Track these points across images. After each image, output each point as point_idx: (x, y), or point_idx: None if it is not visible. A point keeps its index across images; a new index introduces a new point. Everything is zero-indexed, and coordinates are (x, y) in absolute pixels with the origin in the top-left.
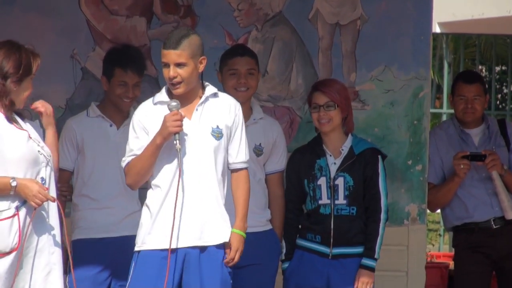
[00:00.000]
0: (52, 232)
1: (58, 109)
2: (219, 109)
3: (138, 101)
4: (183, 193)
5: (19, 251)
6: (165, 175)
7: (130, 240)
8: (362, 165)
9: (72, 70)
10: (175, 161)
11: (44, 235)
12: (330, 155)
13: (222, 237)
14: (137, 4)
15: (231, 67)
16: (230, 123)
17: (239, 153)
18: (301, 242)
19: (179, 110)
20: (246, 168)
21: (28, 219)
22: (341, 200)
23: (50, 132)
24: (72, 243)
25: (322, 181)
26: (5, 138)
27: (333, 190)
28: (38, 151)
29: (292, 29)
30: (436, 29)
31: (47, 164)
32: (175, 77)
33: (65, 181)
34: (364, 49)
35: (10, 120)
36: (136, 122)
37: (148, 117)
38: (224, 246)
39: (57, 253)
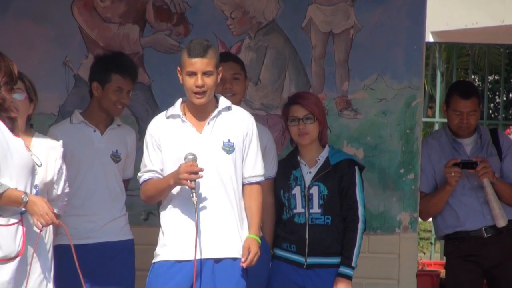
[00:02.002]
0: (45, 240)
1: (50, 116)
2: (231, 123)
3: (131, 108)
4: (195, 207)
5: (24, 257)
6: (181, 198)
7: (113, 245)
8: (338, 175)
9: (65, 77)
10: (192, 209)
11: (42, 243)
12: (305, 165)
13: (238, 250)
14: (130, 11)
15: None
16: (243, 137)
17: (254, 167)
18: (277, 251)
19: (196, 163)
20: (259, 183)
21: (29, 226)
22: (315, 209)
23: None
24: (54, 249)
25: (297, 190)
26: (11, 145)
27: (307, 199)
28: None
29: (285, 38)
30: (429, 38)
31: (36, 172)
32: (202, 86)
33: None
34: (357, 58)
35: (10, 128)
36: (149, 138)
37: (160, 130)
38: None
39: (48, 260)
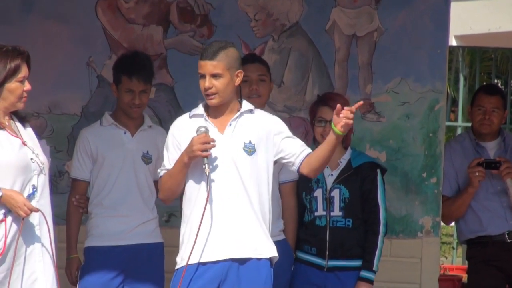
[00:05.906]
0: (42, 241)
1: (73, 117)
2: (253, 125)
3: (154, 109)
4: (212, 209)
5: (5, 257)
6: (197, 194)
7: (143, 248)
8: (360, 178)
9: (88, 78)
10: (204, 182)
11: (32, 243)
12: (327, 167)
13: (264, 251)
14: (154, 13)
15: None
16: (266, 136)
17: (301, 145)
18: (299, 254)
19: (208, 134)
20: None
21: (14, 226)
22: (336, 212)
23: None
24: (84, 250)
25: (318, 193)
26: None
27: (328, 201)
28: (31, 158)
29: (308, 40)
30: (453, 42)
31: (41, 172)
32: (210, 88)
33: (82, 192)
34: (381, 61)
35: (3, 127)
36: (170, 138)
37: (182, 130)
38: (270, 262)
39: (46, 262)
